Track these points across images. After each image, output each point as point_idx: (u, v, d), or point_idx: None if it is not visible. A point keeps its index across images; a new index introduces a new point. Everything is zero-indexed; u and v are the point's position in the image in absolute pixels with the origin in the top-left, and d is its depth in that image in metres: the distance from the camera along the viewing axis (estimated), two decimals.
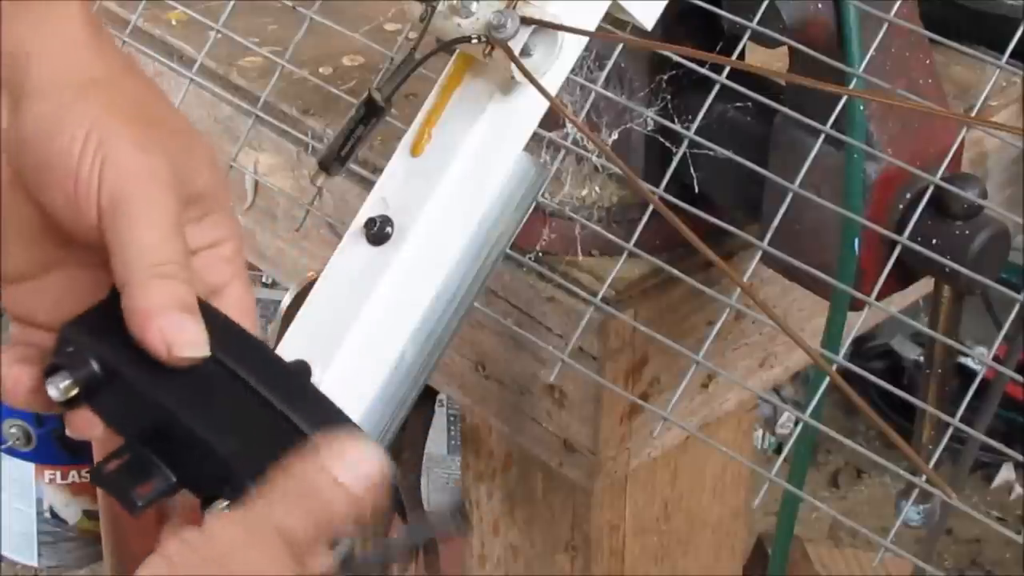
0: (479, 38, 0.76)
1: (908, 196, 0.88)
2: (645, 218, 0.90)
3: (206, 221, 0.72)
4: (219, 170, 0.73)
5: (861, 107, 0.86)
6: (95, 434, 0.71)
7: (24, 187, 0.70)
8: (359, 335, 0.76)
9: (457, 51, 0.79)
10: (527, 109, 0.80)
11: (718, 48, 0.93)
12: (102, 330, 0.69)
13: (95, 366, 0.69)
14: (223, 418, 0.69)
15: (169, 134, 0.71)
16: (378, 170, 0.81)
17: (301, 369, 0.74)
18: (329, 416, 0.69)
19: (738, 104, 0.92)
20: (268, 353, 0.72)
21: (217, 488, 0.68)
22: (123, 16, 1.17)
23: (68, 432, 0.71)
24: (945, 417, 0.86)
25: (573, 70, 0.82)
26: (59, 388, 0.68)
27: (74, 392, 0.69)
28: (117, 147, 0.68)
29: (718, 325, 0.90)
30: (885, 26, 0.86)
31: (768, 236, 0.89)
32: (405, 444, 1.13)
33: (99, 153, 0.68)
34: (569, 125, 0.93)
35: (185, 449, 0.69)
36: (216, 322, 0.70)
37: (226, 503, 0.67)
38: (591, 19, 0.80)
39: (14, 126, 0.70)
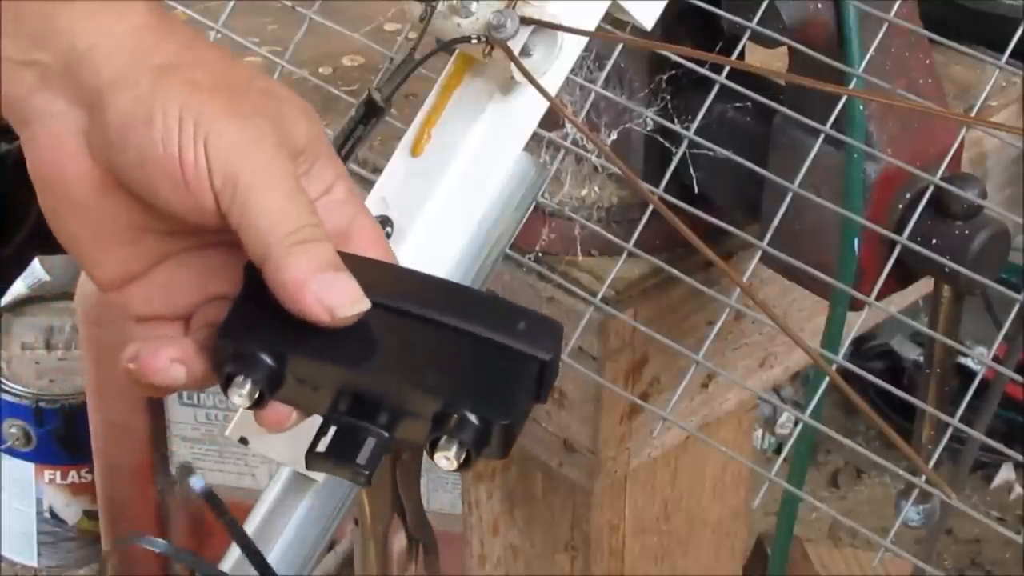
0: (479, 38, 0.76)
1: (908, 196, 0.88)
2: (645, 218, 0.90)
3: (314, 170, 0.70)
4: (313, 115, 0.71)
5: (861, 107, 0.86)
6: (292, 422, 0.69)
7: (118, 187, 0.68)
8: None
9: (457, 51, 0.79)
10: (527, 109, 0.80)
11: (718, 48, 0.93)
12: (254, 322, 0.68)
13: (268, 359, 0.67)
14: (410, 359, 0.68)
15: (258, 94, 0.69)
16: (378, 170, 0.81)
17: (451, 284, 0.73)
18: (511, 317, 0.69)
19: (738, 104, 0.92)
20: (419, 277, 0.72)
21: (437, 429, 0.67)
22: None
23: (266, 429, 0.69)
24: (945, 417, 0.86)
25: (573, 70, 0.82)
26: (243, 394, 0.67)
27: (257, 394, 0.68)
28: (215, 123, 0.66)
29: (718, 325, 0.89)
30: (885, 26, 0.86)
31: (768, 236, 0.89)
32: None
33: (199, 134, 0.66)
34: (569, 125, 0.93)
35: (385, 403, 0.68)
36: (361, 267, 0.68)
37: (456, 441, 0.66)
38: (591, 19, 0.80)
39: (98, 125, 0.67)
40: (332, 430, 0.68)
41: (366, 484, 0.68)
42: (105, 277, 0.71)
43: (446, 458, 0.66)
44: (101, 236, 0.70)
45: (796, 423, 1.01)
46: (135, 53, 0.67)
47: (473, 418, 0.66)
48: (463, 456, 0.67)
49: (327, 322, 0.66)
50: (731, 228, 0.89)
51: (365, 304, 0.67)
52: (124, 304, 0.72)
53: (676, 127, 0.93)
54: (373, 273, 0.69)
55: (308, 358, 0.68)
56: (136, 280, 0.71)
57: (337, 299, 0.66)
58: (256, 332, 0.68)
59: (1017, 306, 0.83)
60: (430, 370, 0.68)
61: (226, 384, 0.68)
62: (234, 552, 0.76)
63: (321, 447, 0.68)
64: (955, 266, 0.86)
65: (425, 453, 0.68)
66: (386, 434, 0.68)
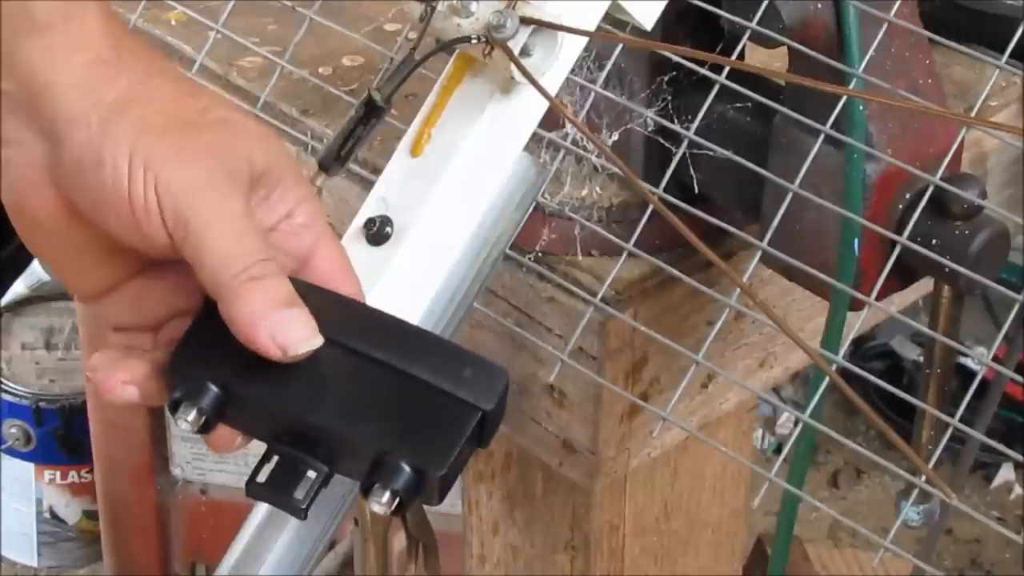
0: (479, 38, 0.76)
1: (908, 196, 0.88)
2: (645, 218, 0.90)
3: (274, 195, 0.71)
4: (272, 140, 0.72)
5: (861, 107, 0.86)
6: (238, 445, 0.70)
7: (81, 215, 0.69)
8: None
9: (457, 51, 0.79)
10: (527, 109, 0.80)
11: (718, 48, 0.93)
12: (208, 346, 0.69)
13: (214, 389, 0.68)
14: (355, 401, 0.68)
15: (211, 127, 0.69)
16: (378, 170, 0.81)
17: (404, 324, 0.73)
18: (458, 363, 0.69)
19: (738, 104, 0.92)
20: (371, 314, 0.72)
21: (372, 475, 0.67)
22: (123, 16, 1.17)
23: (212, 450, 0.71)
24: (945, 417, 0.86)
25: (573, 70, 0.82)
26: (188, 421, 0.68)
27: (202, 420, 0.69)
28: (164, 165, 0.67)
29: (718, 325, 0.89)
30: (885, 26, 0.86)
31: (768, 236, 0.89)
32: None
33: (148, 176, 0.67)
34: (569, 125, 0.93)
35: (328, 440, 0.68)
36: (314, 299, 0.69)
37: (387, 490, 0.67)
38: (591, 19, 0.80)
39: (57, 159, 0.68)
40: (274, 459, 0.69)
41: (303, 518, 0.69)
42: (80, 290, 0.72)
43: (378, 503, 0.67)
44: (70, 256, 0.71)
45: (796, 423, 1.01)
46: (88, 90, 0.68)
47: (407, 468, 0.67)
48: (395, 503, 0.67)
49: (279, 358, 0.67)
50: (731, 228, 0.89)
51: (317, 341, 0.68)
52: (99, 314, 0.73)
53: (676, 127, 0.93)
54: (325, 306, 0.69)
55: (253, 391, 0.68)
56: (108, 293, 0.72)
57: (290, 337, 0.67)
58: (205, 360, 0.69)
59: (1017, 306, 0.83)
60: (371, 413, 0.68)
61: (173, 410, 0.69)
62: (234, 552, 0.76)
63: (262, 477, 0.69)
64: (955, 266, 0.86)
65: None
66: (326, 468, 0.68)
